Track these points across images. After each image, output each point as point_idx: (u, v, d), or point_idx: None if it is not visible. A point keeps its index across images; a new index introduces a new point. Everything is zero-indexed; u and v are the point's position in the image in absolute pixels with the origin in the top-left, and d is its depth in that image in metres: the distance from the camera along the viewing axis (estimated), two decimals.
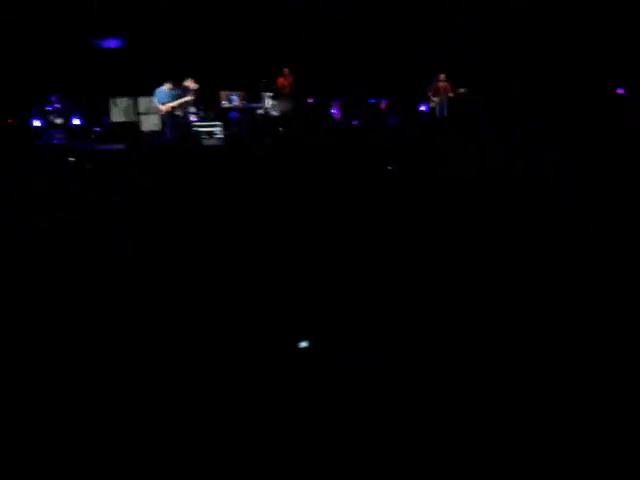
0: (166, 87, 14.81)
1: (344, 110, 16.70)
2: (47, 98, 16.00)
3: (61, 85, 16.19)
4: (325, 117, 16.71)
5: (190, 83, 15.10)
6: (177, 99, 14.92)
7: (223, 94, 16.29)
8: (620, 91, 15.04)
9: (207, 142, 14.66)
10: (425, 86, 16.02)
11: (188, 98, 15.15)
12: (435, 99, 15.96)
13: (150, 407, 2.66)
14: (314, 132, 15.04)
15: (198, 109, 15.80)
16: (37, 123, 15.88)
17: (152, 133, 15.87)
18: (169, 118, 14.96)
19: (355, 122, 16.43)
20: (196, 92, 15.14)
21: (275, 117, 15.72)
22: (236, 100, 16.31)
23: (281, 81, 16.14)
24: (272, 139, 14.79)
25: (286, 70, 16.21)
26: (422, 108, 16.62)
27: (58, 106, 16.01)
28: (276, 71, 16.14)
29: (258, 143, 14.21)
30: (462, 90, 15.64)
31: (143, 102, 16.32)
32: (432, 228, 5.55)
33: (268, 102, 15.77)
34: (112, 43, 16.89)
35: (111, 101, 16.48)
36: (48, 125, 15.96)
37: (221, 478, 2.24)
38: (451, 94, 15.79)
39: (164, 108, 14.74)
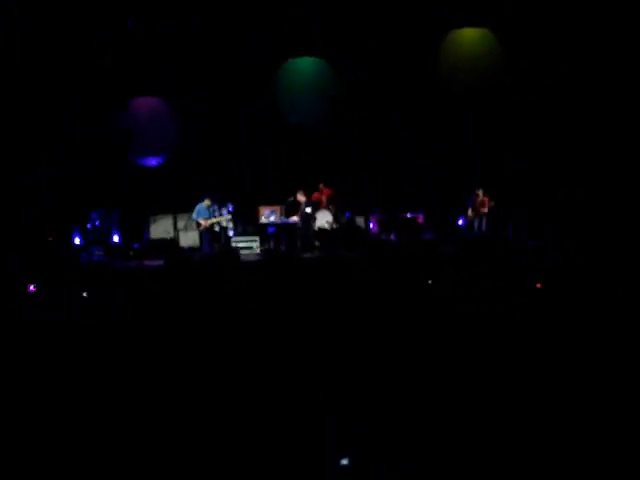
0: (205, 204, 15.04)
1: (381, 224, 16.72)
2: (88, 216, 16.17)
3: (101, 203, 16.39)
4: (363, 231, 16.72)
5: (300, 196, 15.56)
6: (215, 215, 15.14)
7: (261, 209, 16.48)
8: None
9: (245, 257, 14.68)
10: (463, 200, 16.00)
11: (226, 216, 15.38)
12: (471, 214, 15.91)
13: None
14: (352, 246, 14.99)
15: (236, 224, 15.98)
16: (77, 240, 16.01)
17: (190, 249, 15.93)
18: (207, 234, 15.10)
19: (392, 236, 16.38)
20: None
21: (314, 231, 15.77)
22: (274, 215, 16.47)
23: (317, 195, 16.30)
24: (311, 252, 14.82)
25: (321, 185, 16.40)
26: (460, 222, 16.56)
27: (98, 223, 16.16)
28: (312, 187, 16.35)
29: (295, 257, 14.17)
30: (492, 203, 15.56)
31: (182, 219, 16.47)
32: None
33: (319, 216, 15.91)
34: (152, 161, 17.17)
35: (151, 218, 16.66)
36: (88, 242, 16.07)
37: None
38: (485, 209, 15.68)
39: (204, 224, 14.91)
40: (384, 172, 17.22)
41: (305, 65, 17.58)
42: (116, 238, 16.48)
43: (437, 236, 16.43)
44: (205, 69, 17.08)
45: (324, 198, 16.30)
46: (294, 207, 15.89)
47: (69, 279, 11.26)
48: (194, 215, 15.19)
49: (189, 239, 16.18)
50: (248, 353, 5.19)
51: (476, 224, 15.91)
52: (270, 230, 16.45)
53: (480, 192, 15.79)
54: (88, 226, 16.14)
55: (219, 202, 15.55)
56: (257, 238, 16.07)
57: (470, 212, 15.95)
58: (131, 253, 16.27)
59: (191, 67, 17.03)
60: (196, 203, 15.17)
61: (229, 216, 15.68)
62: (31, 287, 9.71)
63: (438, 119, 17.19)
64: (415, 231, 16.52)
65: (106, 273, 12.49)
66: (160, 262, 14.07)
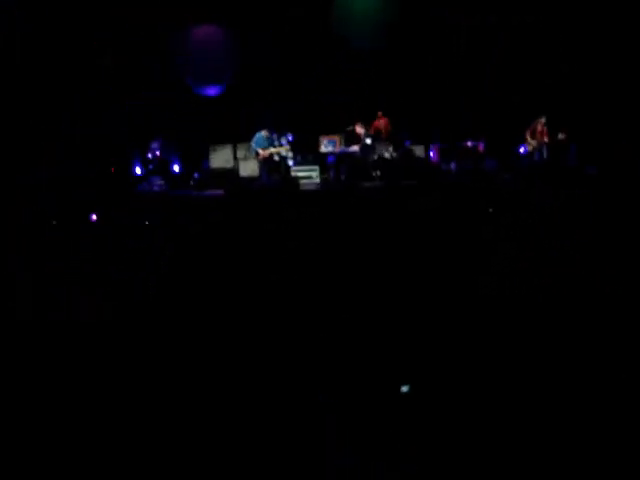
0: (264, 133, 15.03)
1: (441, 153, 16.47)
2: (148, 145, 16.26)
3: (161, 132, 16.45)
4: (423, 160, 16.50)
5: (359, 128, 15.44)
6: (274, 145, 15.11)
7: (321, 139, 16.39)
8: None
9: (304, 186, 14.69)
10: (525, 128, 15.64)
11: (286, 146, 15.32)
12: (532, 142, 15.53)
13: None
14: (412, 176, 14.81)
15: (295, 154, 15.91)
16: (138, 170, 16.15)
17: (250, 178, 15.93)
18: (266, 164, 15.12)
19: (453, 165, 16.15)
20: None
21: (374, 160, 15.63)
22: (333, 145, 16.37)
23: (376, 124, 16.16)
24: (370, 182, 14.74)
25: (380, 113, 16.25)
26: (521, 150, 16.21)
27: (158, 153, 16.23)
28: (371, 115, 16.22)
29: (354, 187, 14.14)
30: (561, 136, 15.11)
31: (242, 148, 16.47)
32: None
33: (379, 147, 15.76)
34: (211, 90, 17.14)
35: (210, 147, 16.69)
36: (148, 172, 16.20)
37: None
38: (546, 139, 15.28)
39: (262, 153, 14.94)
40: (444, 100, 16.89)
41: None
42: (176, 168, 16.55)
43: (498, 165, 16.12)
44: None
45: (383, 129, 16.16)
46: (353, 137, 15.78)
47: (130, 209, 11.43)
48: (253, 145, 15.22)
49: (249, 169, 16.16)
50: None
51: (537, 152, 15.56)
52: (330, 159, 16.36)
53: (543, 120, 15.39)
54: (148, 156, 16.24)
55: (278, 132, 15.49)
56: (317, 167, 15.98)
57: (530, 140, 15.57)
58: (192, 183, 16.36)
59: None
60: (255, 133, 15.18)
61: (288, 146, 15.62)
62: (93, 217, 9.90)
63: (499, 45, 16.74)
64: (476, 160, 16.24)
65: (166, 202, 12.64)
66: (220, 192, 14.21)
